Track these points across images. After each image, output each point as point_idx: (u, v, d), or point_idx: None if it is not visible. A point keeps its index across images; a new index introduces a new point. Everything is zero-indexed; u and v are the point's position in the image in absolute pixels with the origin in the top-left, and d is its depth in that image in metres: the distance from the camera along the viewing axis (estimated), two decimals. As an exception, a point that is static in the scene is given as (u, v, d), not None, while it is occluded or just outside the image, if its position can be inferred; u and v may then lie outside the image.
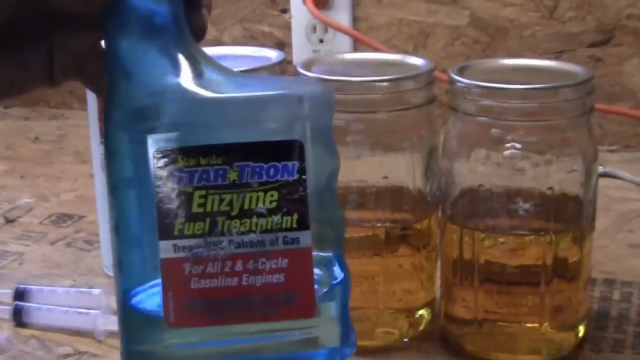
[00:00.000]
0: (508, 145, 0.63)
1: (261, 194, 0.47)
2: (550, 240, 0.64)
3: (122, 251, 0.49)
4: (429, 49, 1.13)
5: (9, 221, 0.94)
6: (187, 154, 0.46)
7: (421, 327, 0.69)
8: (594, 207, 0.66)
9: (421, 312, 0.69)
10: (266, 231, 0.47)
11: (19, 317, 0.73)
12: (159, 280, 0.47)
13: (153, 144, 0.46)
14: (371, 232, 0.66)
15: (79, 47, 0.52)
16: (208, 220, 0.47)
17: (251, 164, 0.47)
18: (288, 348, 0.48)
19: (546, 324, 0.65)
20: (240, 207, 0.47)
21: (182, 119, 0.47)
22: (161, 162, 0.46)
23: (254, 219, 0.47)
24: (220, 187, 0.47)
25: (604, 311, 0.73)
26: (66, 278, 0.81)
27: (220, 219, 0.47)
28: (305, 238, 0.47)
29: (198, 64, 0.48)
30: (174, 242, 0.46)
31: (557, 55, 1.08)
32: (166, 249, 0.47)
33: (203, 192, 0.47)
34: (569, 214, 0.65)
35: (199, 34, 0.50)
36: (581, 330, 0.67)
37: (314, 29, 1.17)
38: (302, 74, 0.66)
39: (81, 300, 0.74)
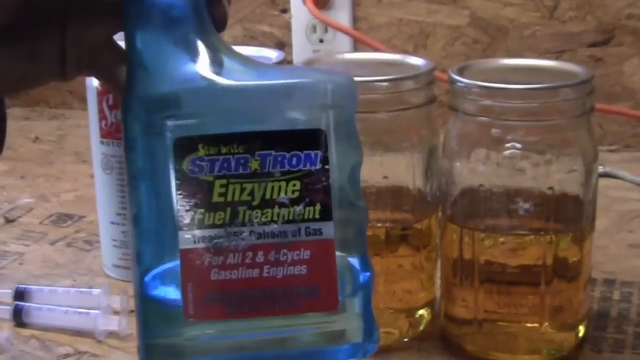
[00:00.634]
0: (508, 145, 0.63)
1: (283, 183, 0.46)
2: (551, 240, 0.64)
3: (141, 243, 0.48)
4: (429, 49, 1.13)
5: (9, 221, 0.94)
6: (208, 143, 0.46)
7: (421, 327, 0.69)
8: (594, 207, 0.66)
9: (421, 312, 0.69)
10: (288, 222, 0.46)
11: (19, 317, 0.73)
12: (177, 269, 0.46)
13: (173, 133, 0.46)
14: (371, 232, 0.66)
15: (92, 39, 0.51)
16: (229, 210, 0.46)
17: (273, 152, 0.46)
18: (310, 343, 0.47)
19: (546, 324, 0.65)
20: (261, 197, 0.46)
21: (203, 108, 0.46)
22: (181, 151, 0.46)
23: (276, 209, 0.46)
24: (242, 177, 0.46)
25: (604, 311, 0.73)
26: (66, 278, 0.81)
27: (241, 209, 0.46)
28: (328, 229, 0.46)
29: (219, 53, 0.48)
30: (194, 232, 0.46)
31: (557, 55, 1.09)
32: (185, 239, 0.46)
33: (224, 181, 0.46)
34: (569, 214, 0.65)
35: (220, 24, 0.49)
36: (581, 330, 0.67)
37: (314, 28, 1.17)
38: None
39: (81, 300, 0.74)
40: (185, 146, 0.46)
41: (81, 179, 1.04)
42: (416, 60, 0.68)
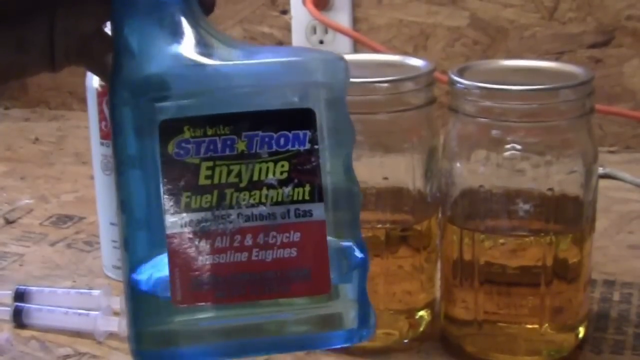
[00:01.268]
0: (508, 146, 0.63)
1: (271, 164, 0.45)
2: (551, 241, 0.64)
3: (128, 230, 0.47)
4: (429, 50, 1.13)
5: (9, 222, 0.94)
6: (194, 124, 0.45)
7: (421, 328, 0.69)
8: (594, 208, 0.66)
9: (421, 313, 0.69)
10: (277, 203, 0.45)
11: (19, 318, 0.73)
12: (165, 255, 0.45)
13: (158, 115, 0.45)
14: (371, 233, 0.66)
15: (82, 29, 0.50)
16: (216, 192, 0.45)
17: (260, 133, 0.45)
18: (303, 328, 0.46)
19: (546, 325, 0.65)
20: (249, 179, 0.45)
21: (188, 89, 0.45)
22: (166, 134, 0.45)
23: (264, 191, 0.45)
24: (229, 158, 0.45)
25: (604, 312, 0.73)
26: (66, 279, 0.81)
27: (228, 191, 0.45)
28: (319, 211, 0.45)
29: (206, 35, 0.47)
30: (181, 216, 0.45)
31: (557, 56, 1.09)
32: (172, 224, 0.45)
33: (210, 163, 0.45)
34: (569, 215, 0.65)
35: (207, 8, 0.49)
36: (581, 331, 0.67)
37: (314, 30, 1.17)
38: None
39: (81, 301, 0.74)
40: (170, 128, 0.45)
41: (81, 180, 1.04)
42: (416, 62, 0.68)
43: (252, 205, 0.45)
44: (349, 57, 0.77)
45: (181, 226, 0.45)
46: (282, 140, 0.45)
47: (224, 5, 1.19)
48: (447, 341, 0.68)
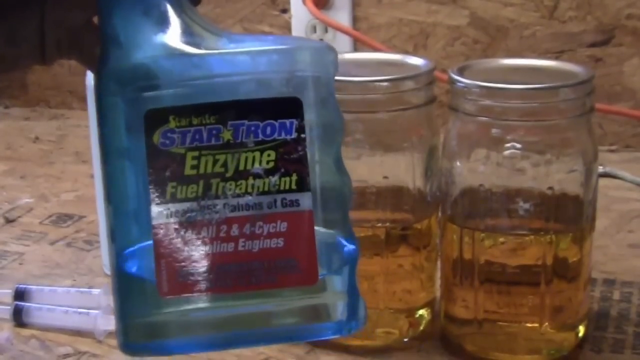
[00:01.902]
0: (508, 145, 0.63)
1: (257, 153, 0.45)
2: (551, 240, 0.64)
3: (116, 220, 0.46)
4: (429, 49, 1.13)
5: (9, 221, 0.94)
6: (179, 114, 0.44)
7: (421, 327, 0.69)
8: (594, 207, 0.66)
9: (421, 312, 0.69)
10: (263, 193, 0.45)
11: (19, 317, 0.73)
12: (151, 244, 0.45)
13: (143, 105, 0.44)
14: (371, 232, 0.66)
15: (72, 21, 0.50)
16: (201, 182, 0.44)
17: (246, 122, 0.45)
18: (291, 320, 0.46)
19: (546, 324, 0.65)
20: (235, 168, 0.44)
21: (175, 78, 0.45)
22: (152, 124, 0.44)
23: (250, 181, 0.44)
24: (214, 148, 0.44)
25: (604, 311, 0.73)
26: (66, 278, 0.81)
27: (214, 181, 0.44)
28: (306, 200, 0.45)
29: (192, 25, 0.46)
30: (166, 206, 0.44)
31: (557, 55, 1.09)
32: (158, 214, 0.44)
33: (196, 153, 0.44)
34: (569, 214, 0.65)
35: None
36: (581, 330, 0.67)
37: (314, 28, 1.16)
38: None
39: (81, 300, 0.74)
40: (155, 118, 0.44)
41: (81, 179, 1.04)
42: (416, 60, 0.68)
43: (239, 195, 0.45)
44: (349, 55, 0.77)
45: (167, 216, 0.45)
46: (268, 129, 0.45)
47: (224, 4, 1.19)
48: (447, 340, 0.68)
